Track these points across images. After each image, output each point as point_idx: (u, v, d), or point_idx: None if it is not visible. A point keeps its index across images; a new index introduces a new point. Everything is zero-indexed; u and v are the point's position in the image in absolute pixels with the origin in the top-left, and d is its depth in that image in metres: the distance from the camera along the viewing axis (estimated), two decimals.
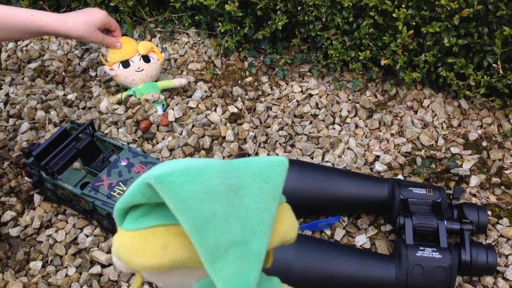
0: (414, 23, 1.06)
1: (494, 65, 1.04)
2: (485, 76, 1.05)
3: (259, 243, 0.42)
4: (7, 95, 1.27)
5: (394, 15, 1.04)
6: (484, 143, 1.09)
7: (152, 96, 1.16)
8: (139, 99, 1.17)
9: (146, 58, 1.19)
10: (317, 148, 1.10)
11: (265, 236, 0.43)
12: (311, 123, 1.16)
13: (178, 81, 1.22)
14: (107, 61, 1.19)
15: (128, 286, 0.90)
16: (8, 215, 1.01)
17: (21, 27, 1.03)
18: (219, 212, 0.41)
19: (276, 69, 1.29)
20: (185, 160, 0.47)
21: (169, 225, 0.43)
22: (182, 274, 0.46)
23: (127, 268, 0.47)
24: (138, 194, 0.42)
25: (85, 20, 1.09)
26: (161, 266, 0.42)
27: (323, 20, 1.16)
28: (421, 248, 0.82)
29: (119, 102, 1.19)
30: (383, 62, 1.14)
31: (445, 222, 0.85)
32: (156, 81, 1.22)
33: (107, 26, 1.15)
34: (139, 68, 1.17)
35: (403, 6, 1.04)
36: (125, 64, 1.17)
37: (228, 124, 1.17)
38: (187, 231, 0.39)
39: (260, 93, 1.25)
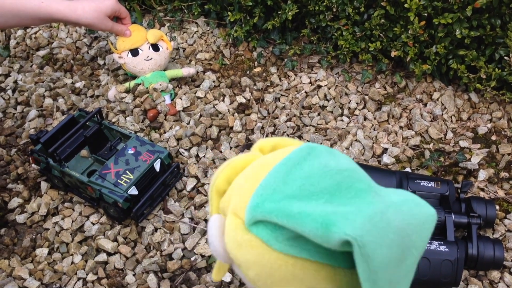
0: (426, 14, 1.04)
1: (506, 58, 1.02)
2: (496, 69, 1.04)
3: None
4: (15, 82, 1.27)
5: (406, 5, 1.03)
6: (494, 137, 1.08)
7: (160, 85, 1.16)
8: (147, 88, 1.17)
9: (155, 47, 1.18)
10: (325, 139, 1.09)
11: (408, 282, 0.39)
12: (319, 114, 1.15)
13: (187, 71, 1.21)
14: (116, 48, 1.18)
15: (133, 275, 0.91)
16: (15, 202, 1.02)
17: (31, 13, 1.03)
18: (393, 279, 0.36)
19: (285, 59, 1.28)
20: (341, 164, 0.40)
21: (319, 264, 0.37)
22: None
23: (225, 259, 0.41)
24: (322, 237, 0.35)
25: (95, 8, 1.08)
26: None
27: (334, 10, 1.15)
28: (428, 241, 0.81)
29: (127, 91, 1.18)
30: (393, 53, 1.13)
31: (453, 216, 0.84)
32: (164, 70, 1.21)
33: (117, 14, 1.15)
34: (148, 56, 1.17)
35: None
36: (134, 52, 1.17)
37: (236, 114, 1.16)
38: None
39: (269, 84, 1.24)
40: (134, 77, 1.21)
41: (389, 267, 0.35)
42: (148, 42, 1.18)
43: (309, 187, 0.38)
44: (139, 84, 1.18)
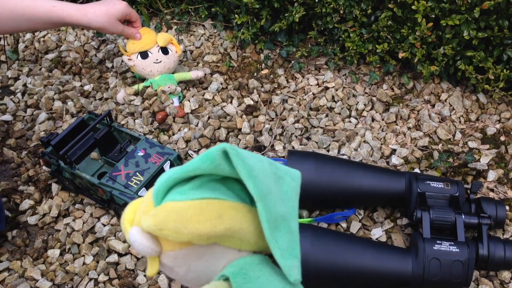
0: (433, 16, 1.05)
1: None
2: (504, 70, 1.04)
3: (295, 224, 0.46)
4: (24, 85, 1.28)
5: (413, 7, 1.04)
6: (502, 138, 1.08)
7: (168, 87, 1.17)
8: (155, 90, 1.18)
9: (164, 50, 1.19)
10: (333, 141, 1.09)
11: (297, 220, 0.47)
12: (327, 116, 1.16)
13: (195, 74, 1.22)
14: (126, 51, 1.19)
15: (144, 275, 0.91)
16: (27, 203, 1.02)
17: (43, 17, 1.04)
18: (272, 189, 0.44)
19: (292, 61, 1.29)
20: None
21: (221, 199, 0.45)
22: (214, 255, 0.47)
23: (152, 250, 0.47)
24: (207, 161, 0.44)
25: (106, 11, 1.09)
26: (214, 234, 0.45)
27: (341, 12, 1.16)
28: (438, 241, 0.81)
29: (136, 93, 1.19)
30: (401, 55, 1.13)
31: (463, 216, 0.84)
32: (173, 73, 1.22)
33: (128, 17, 1.16)
34: (157, 59, 1.18)
35: None
36: (144, 55, 1.18)
37: (244, 116, 1.17)
38: (256, 197, 0.43)
39: (276, 86, 1.25)
40: (143, 79, 1.22)
41: (264, 174, 0.44)
42: (158, 45, 1.19)
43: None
44: (147, 87, 1.19)
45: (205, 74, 1.26)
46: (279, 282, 0.46)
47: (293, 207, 0.47)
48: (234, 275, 0.46)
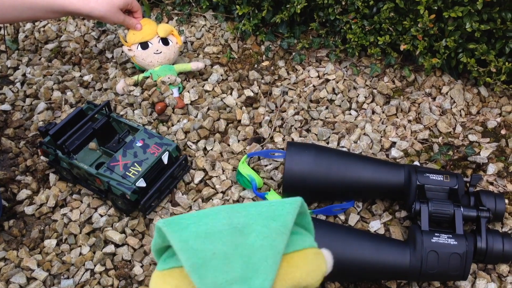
0: (436, 7, 1.04)
1: None
2: (506, 63, 1.03)
3: (262, 279, 0.43)
4: (24, 75, 1.27)
5: None
6: (503, 131, 1.07)
7: (168, 78, 1.16)
8: (155, 81, 1.17)
9: (165, 41, 1.19)
10: (332, 133, 1.09)
11: (269, 272, 0.44)
12: (327, 108, 1.15)
13: (195, 65, 1.21)
14: (126, 41, 1.18)
15: (141, 266, 0.91)
16: (24, 193, 1.02)
17: (45, 6, 1.04)
18: (219, 251, 0.43)
19: (293, 53, 1.28)
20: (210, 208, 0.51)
21: (183, 267, 0.46)
22: None
23: None
24: (156, 237, 0.47)
25: (108, 0, 1.09)
26: None
27: (343, 3, 1.15)
28: (436, 234, 0.81)
29: (136, 84, 1.19)
30: (402, 47, 1.12)
31: (462, 209, 0.84)
32: (173, 64, 1.21)
33: (129, 7, 1.15)
34: (157, 50, 1.17)
35: None
36: (144, 45, 1.17)
37: (244, 107, 1.16)
38: (187, 270, 0.42)
39: (277, 78, 1.24)
40: (142, 70, 1.22)
41: (207, 240, 0.43)
42: (158, 36, 1.18)
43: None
44: (147, 77, 1.18)
45: (205, 66, 1.25)
46: None
47: (263, 258, 0.44)
48: None
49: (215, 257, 0.43)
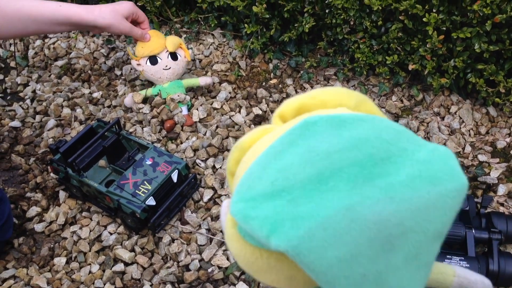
0: (444, 28, 1.04)
1: None
2: None
3: None
4: (34, 92, 1.28)
5: (424, 19, 1.03)
6: None
7: (178, 96, 1.16)
8: (164, 98, 1.18)
9: (173, 56, 1.18)
10: None
11: (422, 283, 0.36)
12: None
13: (204, 80, 1.21)
14: (135, 55, 1.18)
15: (150, 285, 0.91)
16: (34, 210, 1.02)
17: (49, 17, 1.03)
18: (371, 272, 0.33)
19: (301, 71, 1.28)
20: (331, 151, 0.36)
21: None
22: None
23: None
24: (266, 246, 0.34)
25: (112, 9, 1.07)
26: None
27: (351, 23, 1.15)
28: (448, 256, 0.80)
29: (145, 99, 1.19)
30: (411, 67, 1.13)
31: (473, 231, 0.84)
32: (181, 78, 1.22)
33: (135, 17, 1.13)
34: (166, 66, 1.17)
35: (434, 10, 1.03)
36: (153, 61, 1.16)
37: (253, 125, 1.16)
38: None
39: (285, 96, 1.24)
40: (151, 82, 1.21)
41: (355, 263, 0.32)
42: (167, 51, 1.17)
43: (282, 181, 0.35)
44: (156, 95, 1.18)
45: (214, 83, 1.26)
46: None
47: (417, 267, 0.35)
48: None
49: (365, 280, 0.33)
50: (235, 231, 0.39)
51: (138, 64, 1.17)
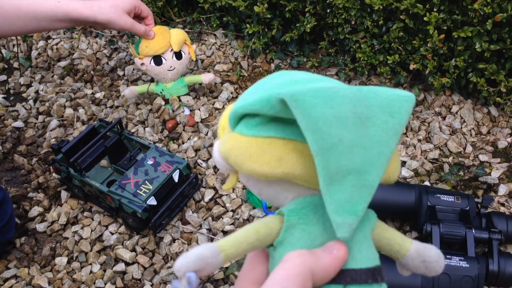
0: (445, 27, 1.04)
1: None
2: None
3: (375, 175, 0.41)
4: (36, 92, 1.29)
5: (425, 18, 1.03)
6: None
7: (187, 101, 1.16)
8: (168, 99, 1.18)
9: (178, 55, 1.14)
10: None
11: (381, 169, 0.42)
12: None
13: (206, 77, 1.19)
14: (138, 53, 1.12)
15: (151, 285, 0.91)
16: (36, 210, 1.03)
17: (48, 14, 1.01)
18: (345, 138, 0.40)
19: None
20: (308, 76, 0.45)
21: (287, 140, 0.42)
22: (283, 187, 0.45)
23: (228, 169, 0.46)
24: (267, 106, 0.40)
25: (111, 3, 1.04)
26: (272, 176, 0.42)
27: (352, 23, 1.16)
28: (448, 256, 0.80)
29: (146, 93, 1.18)
30: (412, 66, 1.13)
31: (473, 231, 0.83)
32: (184, 75, 1.21)
33: (137, 11, 1.09)
34: (171, 67, 1.14)
35: (434, 10, 1.03)
36: (158, 61, 1.12)
37: None
38: (313, 152, 0.39)
39: None
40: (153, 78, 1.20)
41: (334, 125, 0.39)
42: (172, 49, 1.13)
43: (283, 84, 0.43)
44: (159, 94, 1.18)
45: (216, 83, 1.26)
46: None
47: (379, 154, 0.42)
48: (289, 213, 0.44)
49: (341, 143, 0.39)
50: (231, 133, 0.44)
51: (142, 64, 1.13)
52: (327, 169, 0.39)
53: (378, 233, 0.50)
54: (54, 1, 1.01)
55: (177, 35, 1.13)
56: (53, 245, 0.98)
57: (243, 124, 0.43)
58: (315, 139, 0.38)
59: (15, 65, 1.38)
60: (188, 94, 1.21)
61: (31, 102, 1.26)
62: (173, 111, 1.16)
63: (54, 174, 1.08)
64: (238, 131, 0.44)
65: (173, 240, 0.97)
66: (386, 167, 0.42)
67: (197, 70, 1.31)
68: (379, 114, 0.42)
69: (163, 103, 1.18)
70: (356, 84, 1.22)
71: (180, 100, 1.17)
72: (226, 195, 1.03)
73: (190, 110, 1.20)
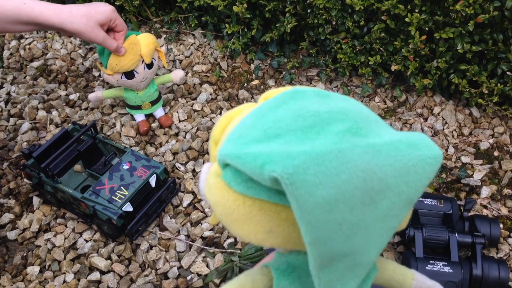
0: (427, 28, 1.03)
1: (508, 73, 1.01)
2: (498, 84, 1.02)
3: (374, 254, 0.38)
4: (8, 94, 1.24)
5: (406, 19, 1.02)
6: (496, 153, 1.06)
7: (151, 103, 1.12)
8: (140, 105, 1.13)
9: (149, 64, 1.06)
10: None
11: (382, 246, 0.38)
12: None
13: (176, 75, 1.13)
14: (106, 69, 1.03)
15: None
16: (6, 217, 0.99)
17: (11, 15, 0.89)
18: (346, 222, 0.35)
19: (283, 72, 1.26)
20: (323, 107, 0.38)
21: (280, 207, 0.37)
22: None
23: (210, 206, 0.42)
24: (259, 177, 0.35)
25: (84, 12, 0.91)
26: (259, 244, 0.39)
27: (333, 23, 1.14)
28: (431, 261, 0.79)
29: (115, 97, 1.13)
30: (393, 67, 1.11)
31: (457, 235, 0.82)
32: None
33: (112, 25, 0.97)
34: (143, 78, 1.07)
35: (416, 10, 1.01)
36: (129, 75, 1.04)
37: None
38: (306, 242, 0.34)
39: None
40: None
41: (335, 209, 0.34)
42: (143, 61, 1.04)
43: (276, 130, 0.37)
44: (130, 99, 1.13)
45: (194, 84, 1.23)
46: None
47: (384, 230, 0.37)
48: (279, 275, 0.42)
49: (340, 229, 0.34)
50: (218, 180, 0.39)
51: (111, 77, 1.04)
52: (320, 259, 0.35)
53: (377, 278, 0.48)
54: (19, 2, 0.90)
55: (147, 45, 1.03)
56: (25, 254, 0.94)
57: (232, 173, 0.38)
58: (309, 231, 0.33)
59: None
60: (159, 97, 1.15)
61: (2, 104, 1.21)
62: (146, 115, 1.13)
63: (25, 180, 1.04)
64: (226, 180, 0.39)
65: (151, 247, 0.94)
66: (387, 242, 0.38)
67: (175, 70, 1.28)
68: (393, 185, 0.36)
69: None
70: (337, 85, 1.21)
71: (152, 105, 1.13)
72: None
73: (164, 111, 1.16)
